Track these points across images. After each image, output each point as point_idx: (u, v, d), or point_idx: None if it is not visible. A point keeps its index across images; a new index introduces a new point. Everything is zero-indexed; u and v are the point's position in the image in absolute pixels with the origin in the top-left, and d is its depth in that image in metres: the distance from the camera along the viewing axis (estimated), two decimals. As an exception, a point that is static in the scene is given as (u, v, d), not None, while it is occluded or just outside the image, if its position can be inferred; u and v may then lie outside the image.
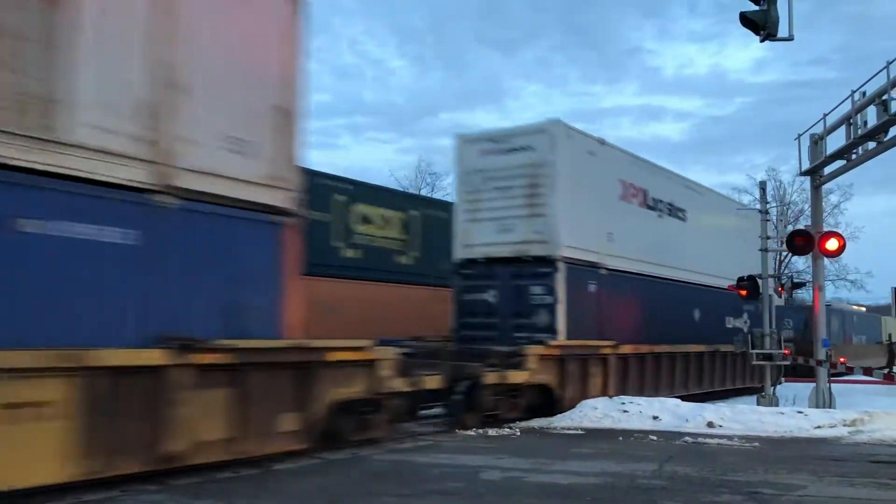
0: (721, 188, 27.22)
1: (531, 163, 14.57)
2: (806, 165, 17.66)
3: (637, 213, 16.94)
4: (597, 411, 13.70)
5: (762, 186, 20.90)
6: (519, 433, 12.31)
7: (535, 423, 13.33)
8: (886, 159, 15.88)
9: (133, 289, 7.71)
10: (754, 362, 18.71)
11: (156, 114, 7.96)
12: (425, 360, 12.03)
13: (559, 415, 13.75)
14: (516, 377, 13.11)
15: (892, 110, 14.02)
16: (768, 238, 19.02)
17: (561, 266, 14.45)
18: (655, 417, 13.22)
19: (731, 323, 21.82)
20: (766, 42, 11.00)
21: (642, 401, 14.19)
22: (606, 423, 13.17)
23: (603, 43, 74.05)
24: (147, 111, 7.88)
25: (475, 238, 15.15)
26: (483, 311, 15.02)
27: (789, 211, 47.55)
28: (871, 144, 15.34)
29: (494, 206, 14.91)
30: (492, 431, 12.28)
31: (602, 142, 16.09)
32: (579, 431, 12.56)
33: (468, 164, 15.33)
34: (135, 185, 7.74)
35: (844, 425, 12.52)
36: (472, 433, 12.10)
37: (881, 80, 14.32)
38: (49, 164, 7.05)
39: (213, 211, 8.49)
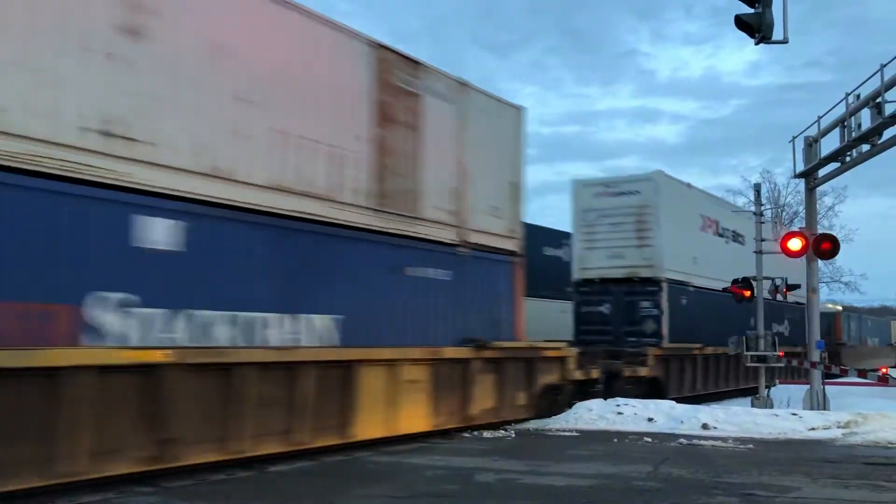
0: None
1: (639, 204, 18.68)
2: (800, 168, 17.70)
3: (712, 241, 20.60)
4: (592, 413, 13.71)
5: (757, 189, 20.90)
6: (514, 435, 12.31)
7: (531, 424, 13.33)
8: (880, 162, 16.00)
9: (451, 308, 12.07)
10: (748, 364, 18.76)
11: (457, 195, 12.35)
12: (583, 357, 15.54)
13: (554, 416, 13.76)
14: (641, 371, 17.39)
15: (887, 113, 14.05)
16: (763, 240, 19.07)
17: (664, 286, 18.63)
18: (650, 419, 13.24)
19: (775, 328, 23.51)
20: (761, 45, 11.03)
21: (637, 402, 14.20)
22: (601, 425, 13.18)
23: (598, 46, 74.48)
24: (454, 194, 12.30)
25: (591, 263, 19.21)
26: (598, 321, 18.99)
27: (784, 213, 47.67)
28: (866, 147, 15.37)
29: (607, 237, 18.96)
30: (487, 433, 12.27)
31: (689, 186, 20.41)
32: (574, 433, 12.57)
33: (584, 204, 19.32)
34: (449, 242, 12.15)
35: (838, 427, 12.55)
36: (468, 435, 12.09)
37: (875, 83, 14.36)
38: (417, 233, 11.52)
39: (484, 256, 12.82)
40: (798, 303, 29.46)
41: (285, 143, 9.51)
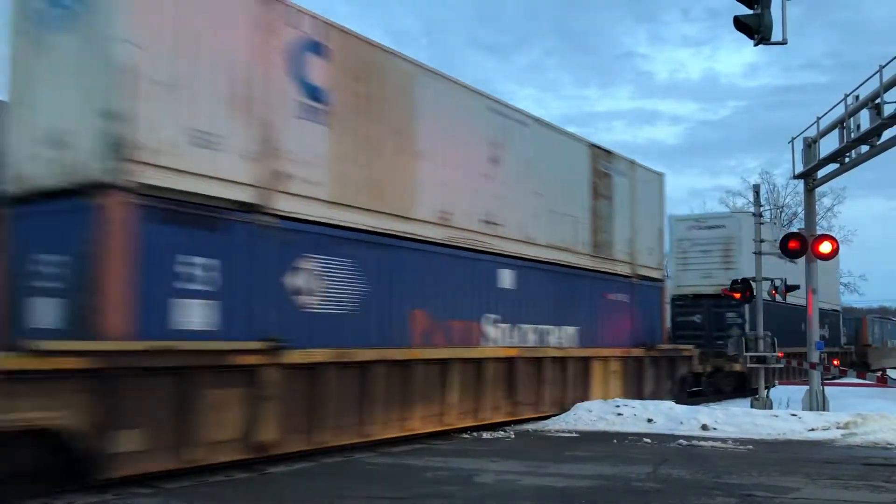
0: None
1: (725, 236, 24.06)
2: (799, 169, 17.71)
3: (772, 263, 22.00)
4: (591, 414, 13.71)
5: (756, 190, 20.98)
6: (513, 436, 12.31)
7: (530, 426, 13.34)
8: (880, 163, 16.01)
9: (629, 321, 17.01)
10: (749, 365, 18.78)
11: (630, 241, 17.30)
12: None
13: (553, 417, 13.76)
14: (736, 367, 21.71)
15: (886, 114, 14.06)
16: (762, 241, 19.08)
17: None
18: (650, 420, 13.24)
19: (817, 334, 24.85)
20: (759, 47, 11.04)
21: (636, 403, 14.21)
22: (601, 426, 13.18)
23: (596, 48, 74.60)
24: (629, 240, 17.24)
25: (685, 281, 24.57)
26: (691, 328, 24.02)
27: (783, 214, 47.73)
28: (865, 148, 15.37)
29: (698, 261, 24.29)
30: (486, 434, 12.27)
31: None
32: (573, 434, 12.57)
33: (678, 235, 24.78)
34: (628, 274, 17.19)
35: (838, 428, 12.54)
36: (467, 436, 12.09)
37: (874, 84, 14.37)
38: (611, 269, 16.57)
39: (645, 283, 17.74)
40: (834, 309, 32.13)
41: (553, 218, 14.81)
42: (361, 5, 70.51)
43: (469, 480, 8.33)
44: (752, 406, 17.49)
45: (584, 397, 14.81)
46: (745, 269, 21.77)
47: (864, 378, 20.82)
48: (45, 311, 8.10)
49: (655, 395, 16.71)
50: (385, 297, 10.97)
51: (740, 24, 10.85)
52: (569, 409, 14.08)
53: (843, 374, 22.64)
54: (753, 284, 19.02)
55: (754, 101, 68.89)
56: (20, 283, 8.38)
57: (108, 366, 7.33)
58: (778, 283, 19.46)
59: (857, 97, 15.21)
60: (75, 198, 7.91)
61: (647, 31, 73.83)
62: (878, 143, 14.96)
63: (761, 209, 20.09)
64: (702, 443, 11.37)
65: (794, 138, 17.89)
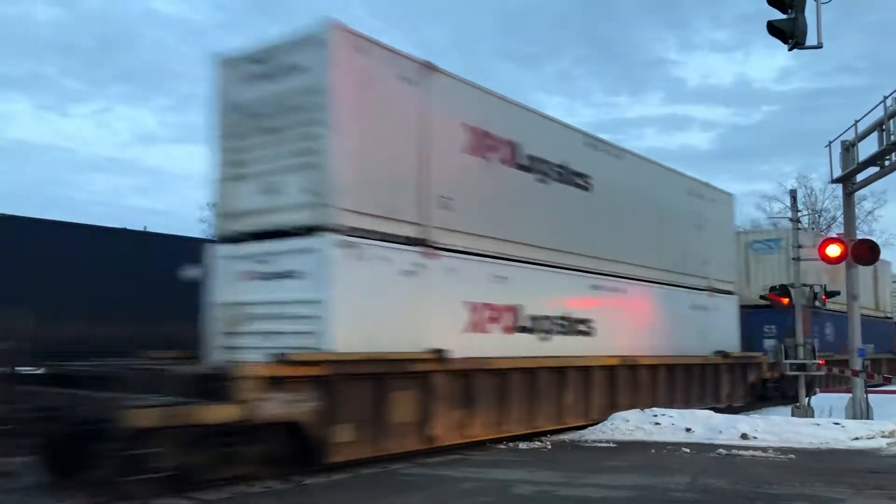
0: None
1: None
2: (837, 173, 17.42)
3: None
4: (628, 423, 13.57)
5: (793, 195, 20.65)
6: (549, 446, 12.23)
7: (566, 436, 13.24)
8: (920, 165, 15.58)
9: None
10: (787, 372, 18.46)
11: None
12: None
13: (590, 427, 13.66)
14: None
15: (926, 115, 13.79)
16: (800, 247, 18.79)
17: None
18: (688, 429, 13.07)
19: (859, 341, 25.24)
20: (791, 52, 10.91)
21: (674, 412, 14.04)
22: (638, 436, 13.04)
23: (625, 56, 73.99)
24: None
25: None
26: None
27: (821, 218, 46.92)
28: (905, 150, 15.08)
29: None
30: (522, 445, 12.20)
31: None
32: (611, 444, 12.46)
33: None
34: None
35: (883, 436, 12.28)
36: (503, 446, 12.04)
37: (913, 85, 14.09)
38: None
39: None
40: (888, 317, 33.60)
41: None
42: (390, 19, 71.10)
43: (506, 491, 8.30)
44: (792, 414, 17.17)
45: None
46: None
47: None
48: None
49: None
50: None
51: (774, 28, 10.74)
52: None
53: (886, 381, 22.17)
54: (792, 290, 18.71)
55: (788, 105, 67.94)
56: None
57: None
58: (818, 288, 19.12)
59: (897, 99, 14.92)
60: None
61: (677, 38, 73.36)
62: (919, 145, 14.66)
63: (799, 214, 19.78)
64: (741, 452, 11.20)
65: (831, 142, 17.61)
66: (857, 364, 16.93)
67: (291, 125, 9.89)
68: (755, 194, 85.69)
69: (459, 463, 10.45)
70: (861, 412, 16.27)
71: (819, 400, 18.77)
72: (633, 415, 13.96)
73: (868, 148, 16.29)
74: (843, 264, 17.10)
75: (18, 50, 61.74)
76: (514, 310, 12.32)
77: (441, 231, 11.06)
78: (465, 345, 11.12)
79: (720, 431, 12.78)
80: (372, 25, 68.40)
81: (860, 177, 17.07)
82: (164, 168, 63.15)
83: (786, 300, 18.66)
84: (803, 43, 10.73)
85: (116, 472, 7.42)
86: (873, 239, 20.45)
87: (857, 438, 12.27)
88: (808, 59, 70.65)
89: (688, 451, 11.46)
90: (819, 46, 10.75)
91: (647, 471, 9.59)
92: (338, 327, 9.37)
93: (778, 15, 10.76)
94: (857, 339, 17.19)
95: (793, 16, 10.63)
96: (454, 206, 11.26)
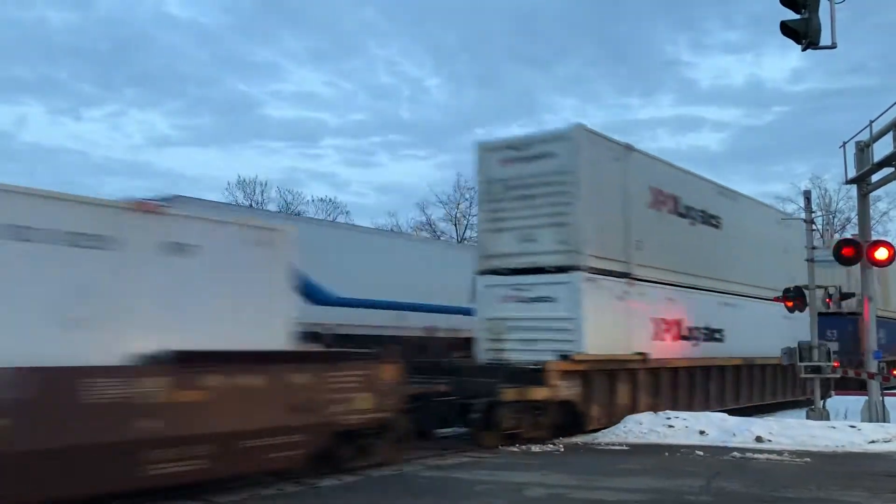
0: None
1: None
2: (852, 173, 17.27)
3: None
4: (642, 426, 13.50)
5: (807, 195, 20.51)
6: (562, 449, 12.18)
7: (579, 438, 13.19)
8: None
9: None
10: (802, 375, 18.32)
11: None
12: None
13: (603, 430, 13.59)
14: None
15: (942, 115, 13.66)
16: (814, 248, 18.66)
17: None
18: (702, 432, 12.99)
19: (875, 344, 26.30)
20: (804, 52, 10.81)
21: (688, 415, 13.96)
22: (652, 439, 12.97)
23: (637, 57, 73.59)
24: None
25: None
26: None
27: (835, 219, 46.64)
28: (921, 151, 14.94)
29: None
30: (535, 447, 12.15)
31: None
32: (624, 447, 12.39)
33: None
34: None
35: (899, 439, 12.16)
36: (515, 449, 12.00)
37: (929, 85, 13.98)
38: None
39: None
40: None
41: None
42: (401, 22, 71.14)
43: (519, 493, 8.28)
44: (807, 417, 17.03)
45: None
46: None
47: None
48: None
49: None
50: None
51: (788, 29, 10.64)
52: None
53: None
54: (806, 292, 18.56)
55: (800, 105, 67.29)
56: None
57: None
58: (832, 290, 18.96)
59: (912, 99, 14.78)
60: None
61: (688, 39, 72.84)
62: (935, 145, 14.52)
63: (813, 215, 19.64)
64: (756, 455, 11.12)
65: (845, 142, 17.47)
66: (873, 366, 16.78)
67: (544, 194, 13.81)
68: (768, 195, 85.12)
69: (472, 465, 10.43)
70: (877, 415, 16.12)
71: (834, 402, 18.62)
72: (646, 417, 13.89)
73: (883, 149, 16.15)
74: (857, 266, 16.97)
75: (32, 54, 62.27)
76: (678, 323, 16.33)
77: (636, 266, 15.01)
78: (652, 349, 15.13)
79: (734, 434, 12.70)
80: (383, 28, 68.65)
81: (875, 177, 16.92)
82: (176, 171, 63.38)
83: (790, 303, 18.49)
84: (817, 43, 10.63)
85: (480, 428, 12.10)
86: (888, 240, 20.29)
87: (873, 441, 12.16)
88: (820, 60, 70.04)
89: (701, 453, 11.39)
90: (833, 46, 10.65)
91: (661, 474, 9.53)
92: (587, 336, 13.37)
93: (791, 15, 10.67)
94: (872, 341, 17.04)
95: (806, 16, 10.52)
96: (643, 247, 15.17)
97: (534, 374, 12.76)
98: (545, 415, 12.87)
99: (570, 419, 13.32)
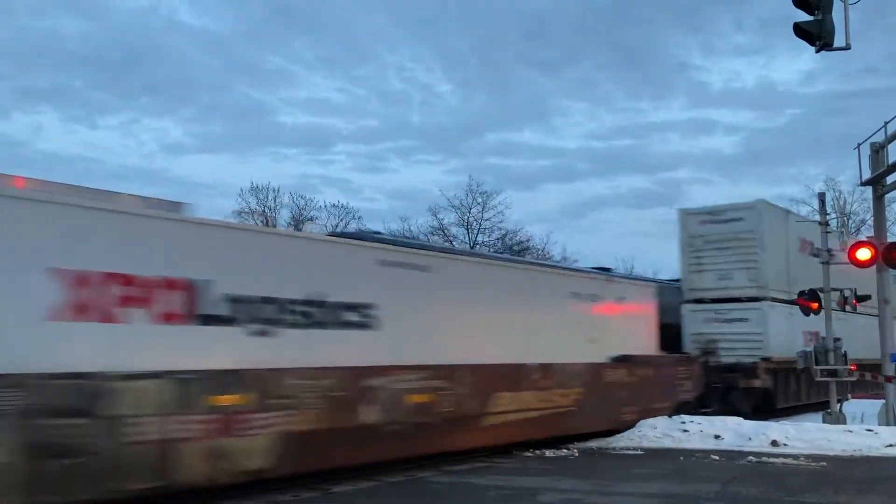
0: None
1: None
2: (867, 175, 17.16)
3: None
4: (656, 431, 13.45)
5: (821, 198, 20.36)
6: (577, 454, 12.15)
7: (594, 443, 13.14)
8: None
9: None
10: (818, 378, 18.20)
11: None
12: None
13: (617, 435, 13.54)
14: None
15: (958, 116, 13.56)
16: (829, 251, 18.53)
17: None
18: (717, 436, 12.93)
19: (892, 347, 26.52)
20: (814, 53, 10.76)
21: (703, 419, 13.89)
22: (666, 443, 12.92)
23: (647, 61, 73.30)
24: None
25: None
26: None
27: (850, 222, 46.26)
28: (937, 152, 14.84)
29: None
30: (549, 452, 12.13)
31: None
32: (638, 452, 12.34)
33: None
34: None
35: (917, 443, 12.05)
36: (530, 454, 11.98)
37: (944, 86, 13.89)
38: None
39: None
40: None
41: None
42: (413, 29, 71.19)
43: (533, 499, 8.26)
44: (824, 421, 16.90)
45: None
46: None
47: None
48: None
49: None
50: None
51: (801, 30, 10.59)
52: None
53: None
54: (821, 295, 18.44)
55: (813, 107, 66.77)
56: None
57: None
58: (847, 293, 18.82)
59: (927, 100, 14.73)
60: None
61: (699, 43, 72.50)
62: (951, 146, 14.41)
63: (827, 217, 19.51)
64: (772, 459, 11.04)
65: (860, 144, 17.37)
66: (890, 369, 16.64)
67: (736, 246, 19.26)
68: (782, 198, 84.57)
69: (486, 470, 10.41)
70: (895, 419, 15.98)
71: (851, 406, 18.47)
72: (660, 422, 13.83)
73: (899, 150, 16.05)
74: (873, 268, 16.83)
75: (47, 63, 62.64)
76: (816, 334, 18.46)
77: (789, 294, 19.19)
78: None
79: (750, 438, 12.63)
80: (394, 34, 68.80)
81: (890, 179, 16.81)
82: (190, 178, 63.67)
83: (815, 304, 18.29)
84: (831, 44, 10.57)
85: (740, 399, 17.95)
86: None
87: (890, 445, 12.05)
88: (832, 62, 69.55)
89: (717, 458, 11.32)
90: (847, 48, 10.60)
91: (676, 479, 9.49)
92: (771, 345, 18.64)
93: (804, 16, 10.63)
94: (889, 345, 16.90)
95: (820, 17, 10.48)
96: (797, 281, 19.12)
97: (750, 370, 18.39)
98: (752, 396, 18.43)
99: (762, 402, 18.65)
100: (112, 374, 7.05)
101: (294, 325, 8.75)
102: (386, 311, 9.77)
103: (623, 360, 13.97)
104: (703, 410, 16.64)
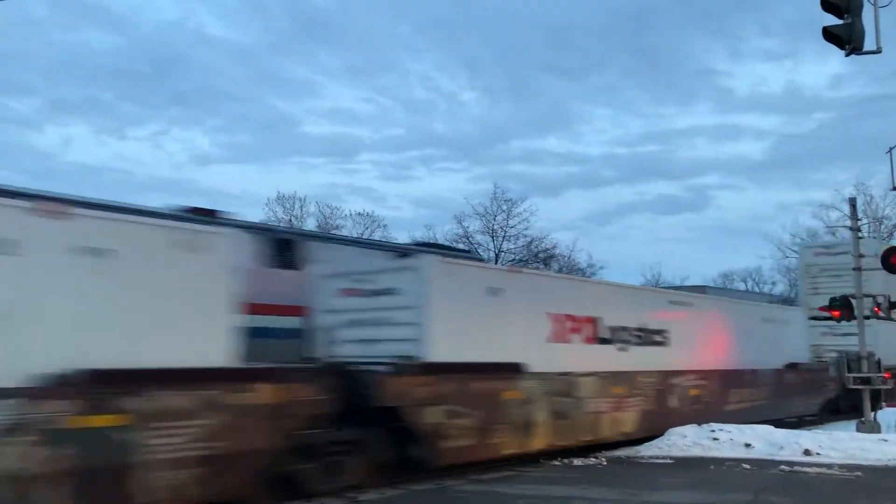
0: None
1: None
2: (899, 179, 16.94)
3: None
4: (686, 439, 13.30)
5: (852, 202, 20.09)
6: (605, 462, 12.05)
7: (622, 452, 13.03)
8: None
9: None
10: (851, 386, 17.91)
11: None
12: None
13: (646, 443, 13.42)
14: None
15: None
16: (862, 257, 18.26)
17: None
18: (748, 445, 12.75)
19: None
20: (847, 57, 10.60)
21: (733, 427, 13.71)
22: (696, 452, 12.77)
23: (672, 66, 72.89)
24: None
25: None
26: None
27: (882, 226, 45.53)
28: (971, 155, 14.60)
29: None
30: (577, 461, 12.05)
31: None
32: (668, 460, 12.21)
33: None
34: None
35: (954, 453, 11.79)
36: (557, 462, 11.90)
37: (979, 88, 13.67)
38: None
39: None
40: None
41: None
42: (436, 38, 71.58)
43: (561, 508, 8.20)
44: (857, 430, 16.62)
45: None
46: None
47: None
48: None
49: None
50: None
51: (830, 35, 10.45)
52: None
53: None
54: (854, 301, 18.16)
55: (842, 112, 65.91)
56: None
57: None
58: (881, 299, 18.52)
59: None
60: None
61: (724, 48, 71.96)
62: None
63: (859, 222, 19.24)
64: (805, 469, 10.87)
65: (892, 148, 17.15)
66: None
67: (847, 274, 19.56)
68: (811, 203, 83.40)
69: (514, 479, 10.36)
70: (930, 427, 15.68)
71: (885, 415, 18.14)
72: (690, 430, 13.68)
73: (931, 153, 15.80)
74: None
75: (78, 76, 63.82)
76: None
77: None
78: None
79: (781, 447, 12.44)
80: (417, 43, 69.09)
81: (924, 183, 16.56)
82: (218, 188, 64.36)
83: (836, 313, 18.05)
84: (861, 48, 10.41)
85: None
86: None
87: (927, 455, 11.82)
88: (860, 66, 68.73)
89: (748, 467, 11.17)
90: (878, 51, 10.42)
91: (706, 488, 9.37)
92: (880, 353, 18.59)
93: (832, 20, 10.49)
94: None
95: (849, 21, 10.33)
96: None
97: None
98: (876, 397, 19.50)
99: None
100: (577, 372, 12.39)
101: (636, 344, 13.89)
102: (673, 334, 14.85)
103: (792, 367, 18.75)
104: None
